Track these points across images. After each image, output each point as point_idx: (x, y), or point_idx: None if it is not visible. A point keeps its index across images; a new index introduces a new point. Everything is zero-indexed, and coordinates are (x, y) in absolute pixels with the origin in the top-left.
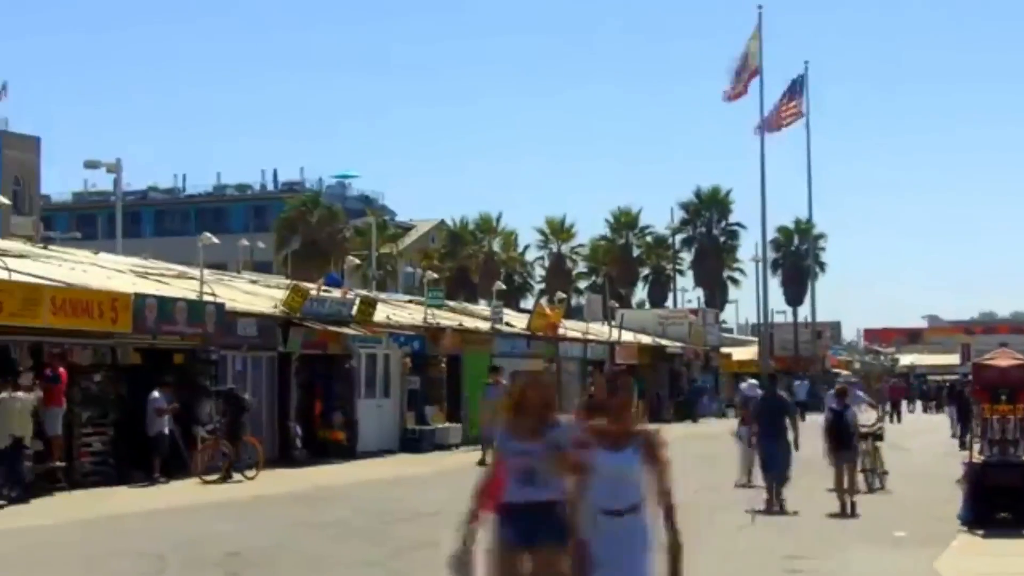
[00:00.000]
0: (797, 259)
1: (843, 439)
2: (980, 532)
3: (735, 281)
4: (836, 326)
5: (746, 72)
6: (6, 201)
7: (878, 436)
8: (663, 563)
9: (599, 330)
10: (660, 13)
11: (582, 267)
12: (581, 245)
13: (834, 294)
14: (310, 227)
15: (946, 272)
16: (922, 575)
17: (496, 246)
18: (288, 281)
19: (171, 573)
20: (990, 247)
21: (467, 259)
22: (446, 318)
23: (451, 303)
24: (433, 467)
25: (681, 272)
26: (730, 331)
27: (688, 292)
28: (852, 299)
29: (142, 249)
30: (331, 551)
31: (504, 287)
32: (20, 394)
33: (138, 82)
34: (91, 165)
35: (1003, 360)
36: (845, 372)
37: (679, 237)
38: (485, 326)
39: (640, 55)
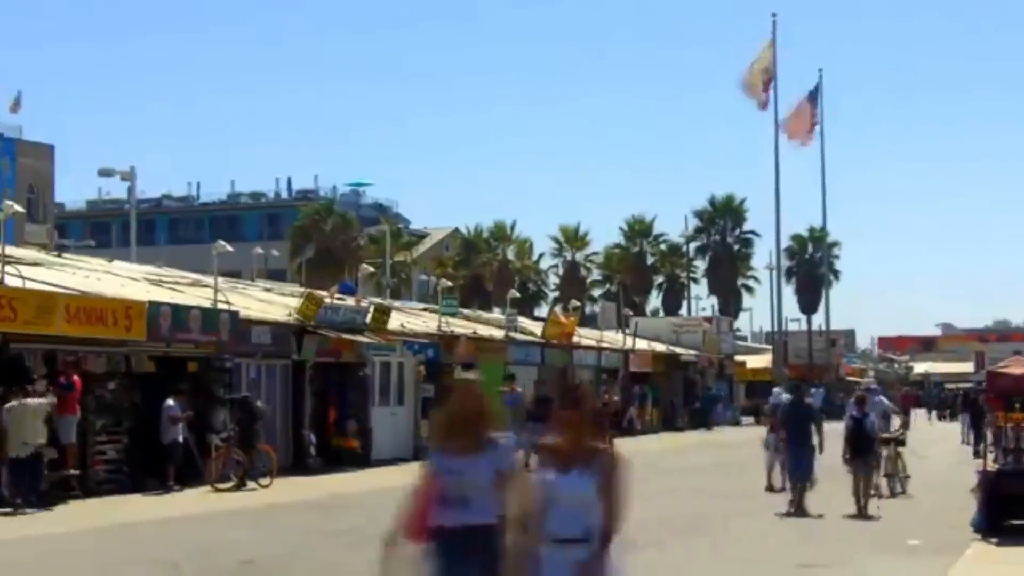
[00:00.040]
0: (811, 267)
1: (862, 445)
2: (994, 540)
3: (749, 289)
4: (850, 334)
5: (768, 79)
6: (20, 209)
7: (900, 442)
8: None
9: (613, 338)
10: (673, 21)
11: (596, 275)
12: (595, 253)
13: (848, 302)
14: (324, 235)
15: (960, 280)
16: None
17: (510, 254)
18: (302, 289)
19: None
20: (1004, 255)
21: (481, 267)
22: (460, 326)
23: (465, 311)
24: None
25: (695, 280)
26: (744, 339)
27: (702, 300)
28: (866, 307)
29: (156, 257)
30: (345, 559)
31: (518, 295)
32: (30, 400)
33: (152, 90)
34: (105, 173)
35: (1017, 368)
36: (867, 379)
37: (693, 245)
38: (499, 334)
39: (654, 63)
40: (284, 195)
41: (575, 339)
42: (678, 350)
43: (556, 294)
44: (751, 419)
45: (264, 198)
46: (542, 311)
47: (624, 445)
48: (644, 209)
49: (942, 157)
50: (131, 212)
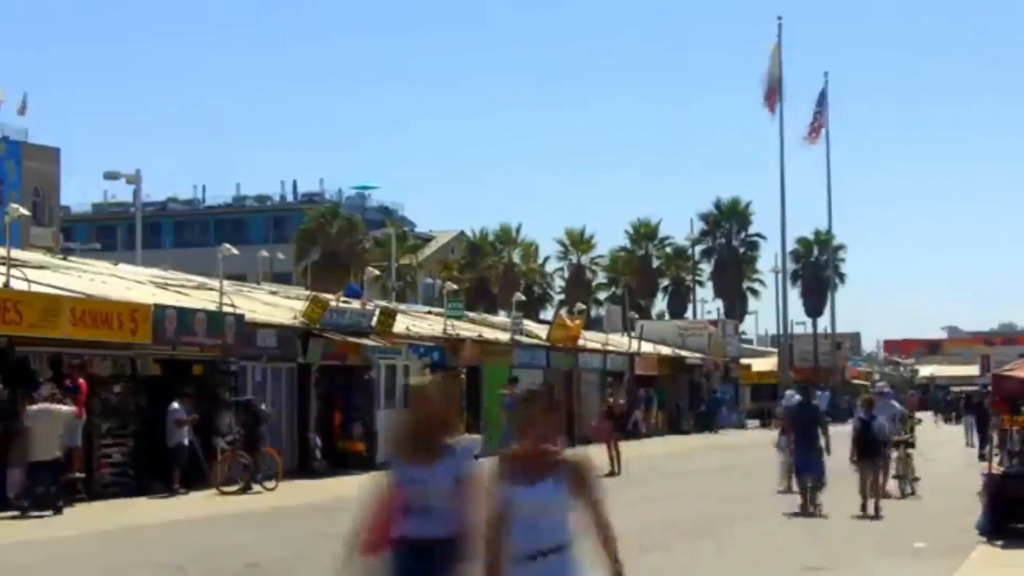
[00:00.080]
0: (817, 270)
1: (870, 447)
2: (999, 543)
3: (755, 292)
4: (856, 337)
5: (774, 82)
6: (26, 212)
7: (910, 444)
8: None
9: (619, 341)
10: (680, 24)
11: (602, 278)
12: (601, 256)
13: (854, 305)
14: (330, 238)
15: (966, 283)
16: None
17: (516, 257)
18: (308, 292)
19: None
20: (1010, 258)
21: (487, 270)
22: (466, 329)
23: (471, 314)
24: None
25: (701, 283)
26: (750, 342)
27: (708, 303)
28: (872, 310)
29: (162, 260)
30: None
31: (524, 298)
32: (55, 406)
33: (158, 93)
34: (111, 176)
35: (1023, 371)
36: (880, 383)
37: (699, 248)
38: (505, 337)
39: (660, 66)
40: (289, 198)
41: (580, 342)
42: (683, 353)
43: (562, 297)
44: (756, 422)
45: (269, 201)
46: (548, 314)
47: (629, 448)
48: (650, 212)
49: (948, 160)
50: (136, 215)
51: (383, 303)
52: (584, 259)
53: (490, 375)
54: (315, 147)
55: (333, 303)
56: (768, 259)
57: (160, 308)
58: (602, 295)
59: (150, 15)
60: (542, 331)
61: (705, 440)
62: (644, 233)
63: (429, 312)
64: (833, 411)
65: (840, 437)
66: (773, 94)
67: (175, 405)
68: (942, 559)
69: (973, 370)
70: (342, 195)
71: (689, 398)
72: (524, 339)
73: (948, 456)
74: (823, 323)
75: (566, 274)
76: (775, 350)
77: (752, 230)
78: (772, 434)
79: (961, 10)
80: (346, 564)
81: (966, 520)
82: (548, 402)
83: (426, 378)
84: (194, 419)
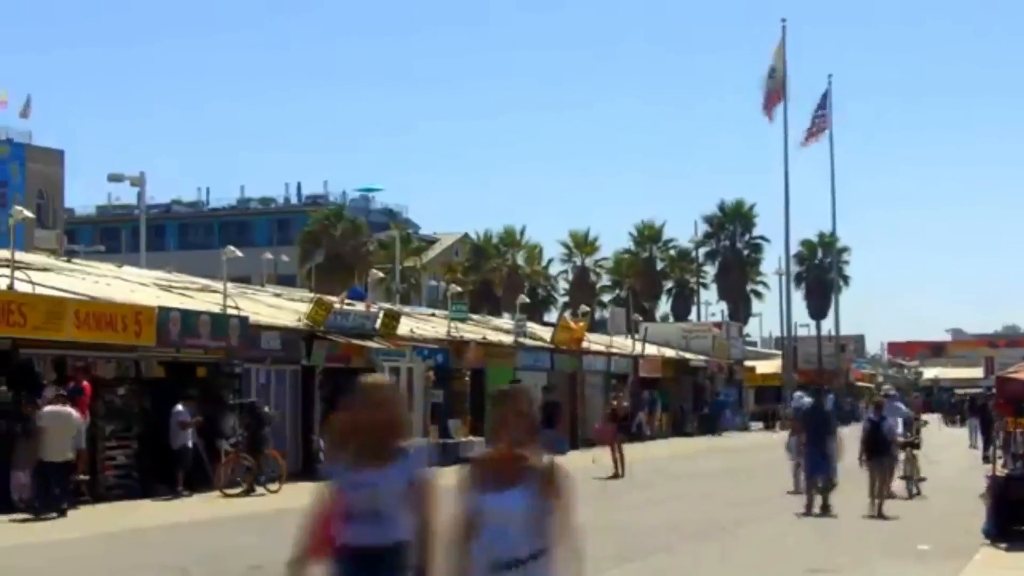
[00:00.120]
0: (821, 272)
1: (878, 447)
2: (1003, 546)
3: (759, 294)
4: (860, 339)
5: (777, 85)
6: (30, 214)
7: (916, 445)
8: None
9: (623, 343)
10: (684, 27)
11: (606, 280)
12: (605, 258)
13: (858, 307)
14: (334, 240)
15: (970, 285)
16: None
17: (520, 259)
18: (312, 294)
19: None
20: (1014, 260)
21: (491, 272)
22: (470, 331)
23: (475, 316)
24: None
25: (705, 285)
26: (754, 344)
27: (712, 305)
28: (876, 312)
29: (166, 262)
30: None
31: (528, 300)
32: (66, 408)
33: (162, 95)
34: (115, 178)
35: None
36: (887, 386)
37: (703, 250)
38: (509, 339)
39: (664, 68)
40: (294, 200)
41: (584, 344)
42: (687, 355)
43: (566, 299)
44: (760, 424)
45: (274, 203)
46: (552, 316)
47: (633, 450)
48: (654, 214)
49: (952, 163)
50: (141, 217)
51: (387, 305)
52: (588, 261)
53: (494, 377)
54: (319, 149)
55: (337, 305)
56: (772, 261)
57: (164, 310)
58: (606, 297)
59: (154, 17)
60: (546, 333)
61: (709, 442)
62: (648, 235)
63: (433, 314)
64: (837, 413)
65: (845, 439)
66: (772, 100)
67: (179, 407)
68: (946, 561)
69: (977, 372)
70: (346, 197)
71: (693, 400)
72: (528, 341)
73: (953, 458)
74: (827, 325)
75: (570, 276)
76: (779, 352)
77: (756, 232)
78: (776, 436)
79: (965, 12)
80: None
81: (970, 522)
82: (521, 403)
83: (379, 374)
84: (198, 421)
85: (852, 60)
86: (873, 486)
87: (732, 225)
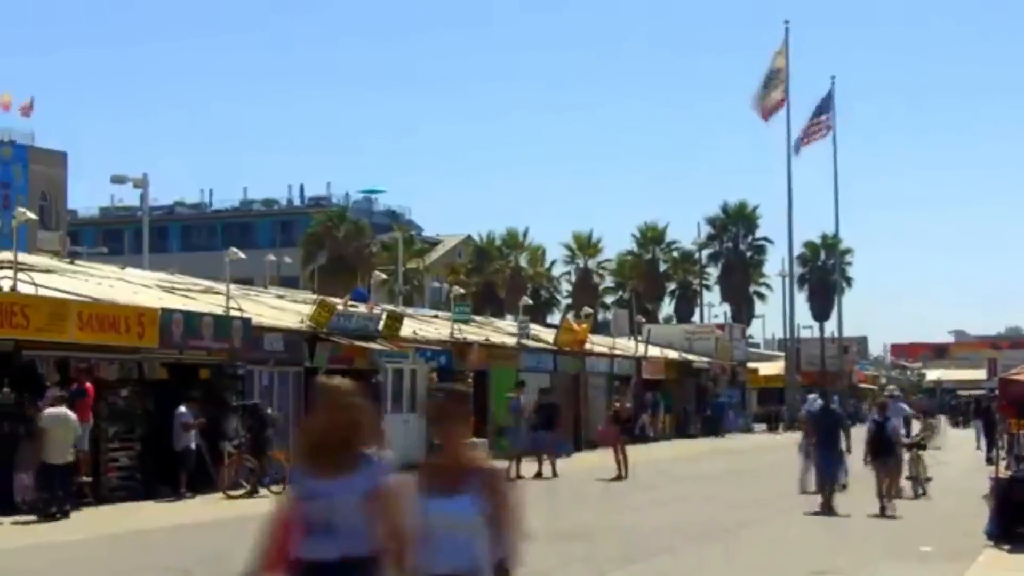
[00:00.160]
0: (824, 274)
1: (884, 448)
2: (1006, 547)
3: (762, 296)
4: (863, 341)
5: (777, 87)
6: (33, 216)
7: (921, 446)
8: None
9: (626, 345)
10: (687, 28)
11: (609, 282)
12: (608, 260)
13: (861, 309)
14: (337, 242)
15: (973, 287)
16: None
17: (523, 261)
18: (315, 296)
19: None
20: (1017, 262)
21: (494, 274)
22: (473, 333)
23: (478, 318)
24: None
25: (708, 287)
26: (757, 346)
27: (715, 307)
28: (879, 314)
29: (169, 264)
30: None
31: (531, 302)
32: (68, 411)
33: (165, 97)
34: (118, 180)
35: None
36: (891, 387)
37: (706, 252)
38: (512, 341)
39: (667, 70)
40: (297, 202)
41: (587, 346)
42: (690, 357)
43: (568, 301)
44: (763, 426)
45: (277, 205)
46: (554, 318)
47: (636, 452)
48: (657, 216)
49: (955, 164)
50: (144, 219)
51: (390, 307)
52: (591, 263)
53: (497, 379)
54: (322, 151)
55: (340, 307)
56: (775, 263)
57: (167, 312)
58: (609, 299)
59: (157, 19)
60: (549, 335)
61: (712, 444)
62: (651, 237)
63: (436, 316)
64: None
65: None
66: (776, 106)
67: (182, 409)
68: (949, 563)
69: (980, 374)
70: (349, 199)
71: (696, 402)
72: (531, 343)
73: (958, 459)
74: (830, 327)
75: (573, 278)
76: (782, 354)
77: (759, 234)
78: (778, 438)
79: (968, 14)
80: None
81: (974, 523)
82: (458, 400)
83: (339, 378)
84: (201, 423)
85: (855, 61)
86: (880, 487)
87: (735, 227)
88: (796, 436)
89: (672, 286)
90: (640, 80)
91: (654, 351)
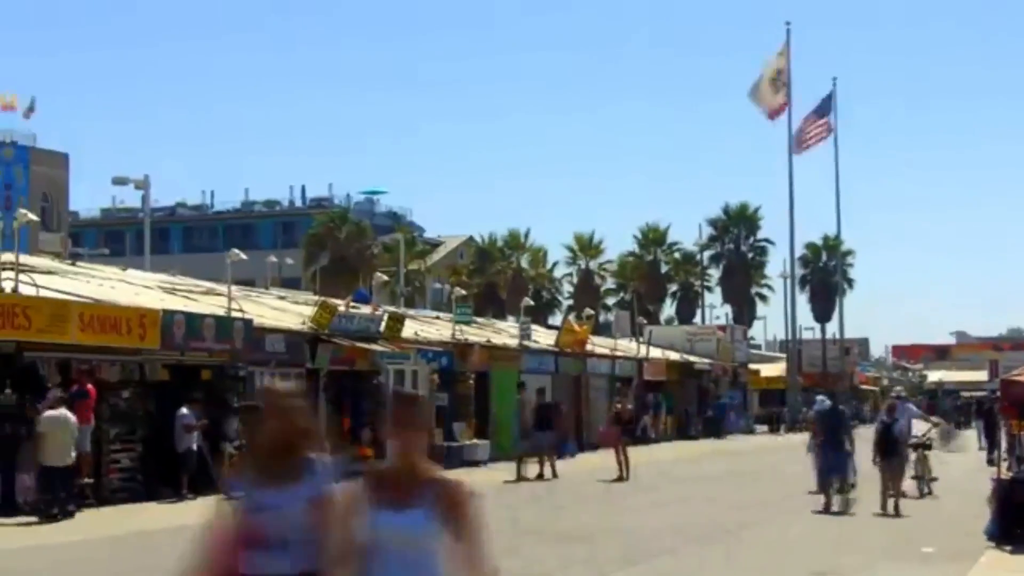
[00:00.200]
0: (825, 275)
1: (891, 448)
2: (1008, 548)
3: (763, 297)
4: (864, 342)
5: (780, 91)
6: (34, 217)
7: (927, 446)
8: None
9: (627, 346)
10: (688, 30)
11: (610, 283)
12: (609, 261)
13: (862, 310)
14: (338, 243)
15: (974, 289)
16: None
17: (524, 262)
18: (316, 297)
19: None
20: (1019, 263)
21: (495, 275)
22: (474, 334)
23: (479, 319)
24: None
25: (709, 288)
26: (758, 347)
27: (716, 308)
28: (880, 315)
29: (170, 265)
30: None
31: (532, 303)
32: (68, 413)
33: (166, 99)
34: (119, 181)
35: None
36: (897, 388)
37: (707, 253)
38: (513, 342)
39: (668, 72)
40: (298, 203)
41: (589, 347)
42: (692, 358)
43: (570, 302)
44: (765, 427)
45: (278, 206)
46: (556, 319)
47: (638, 453)
48: (658, 217)
49: (956, 165)
50: (145, 220)
51: (392, 308)
52: (592, 264)
53: (498, 380)
54: (324, 152)
55: (342, 308)
56: (776, 264)
57: (169, 313)
58: (610, 300)
59: (158, 20)
60: (551, 336)
61: (713, 445)
62: (653, 238)
63: (438, 317)
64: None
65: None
66: (769, 101)
67: (184, 410)
68: (950, 564)
69: (982, 375)
70: (351, 200)
71: (697, 403)
72: (532, 344)
73: (961, 460)
74: (831, 328)
75: (575, 279)
76: (783, 355)
77: (760, 235)
78: (780, 439)
79: (969, 15)
80: None
81: (976, 524)
82: (413, 405)
83: (286, 382)
84: (203, 424)
85: (856, 63)
86: (886, 486)
87: (736, 228)
88: (797, 437)
89: (673, 287)
90: (641, 81)
91: (655, 352)
